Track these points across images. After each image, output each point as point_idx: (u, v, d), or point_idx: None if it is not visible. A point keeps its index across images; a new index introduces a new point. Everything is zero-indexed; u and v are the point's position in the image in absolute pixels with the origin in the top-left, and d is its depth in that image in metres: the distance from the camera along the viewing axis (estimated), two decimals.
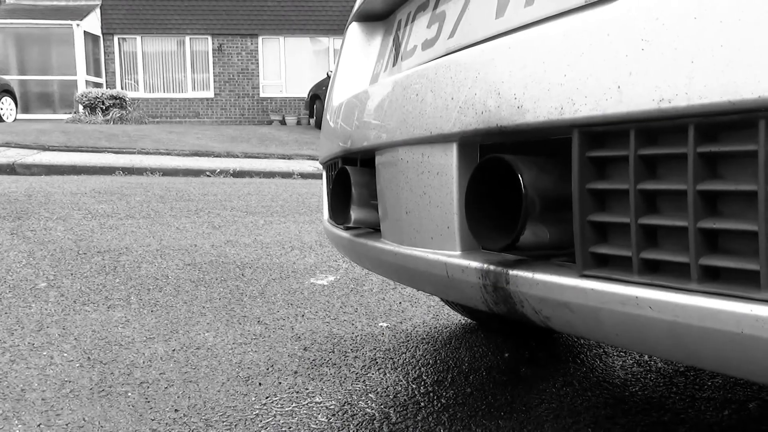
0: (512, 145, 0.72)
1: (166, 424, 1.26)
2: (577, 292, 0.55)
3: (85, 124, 12.61)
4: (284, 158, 10.27)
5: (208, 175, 7.97)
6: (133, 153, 9.45)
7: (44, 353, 1.66)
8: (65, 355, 1.65)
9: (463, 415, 1.33)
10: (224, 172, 8.11)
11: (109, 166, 7.85)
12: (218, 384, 1.47)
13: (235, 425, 1.27)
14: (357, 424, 1.28)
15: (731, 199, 0.49)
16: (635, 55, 0.48)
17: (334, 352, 1.72)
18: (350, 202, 1.02)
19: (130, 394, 1.41)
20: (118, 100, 14.20)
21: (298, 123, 16.71)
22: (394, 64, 1.06)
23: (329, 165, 1.36)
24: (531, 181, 0.59)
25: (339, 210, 1.05)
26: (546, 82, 0.56)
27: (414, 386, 1.48)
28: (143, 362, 1.60)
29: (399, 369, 1.60)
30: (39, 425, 1.25)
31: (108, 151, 9.39)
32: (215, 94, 17.34)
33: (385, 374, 1.56)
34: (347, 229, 1.20)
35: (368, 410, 1.35)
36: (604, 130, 0.53)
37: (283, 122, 16.84)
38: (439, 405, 1.38)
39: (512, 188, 0.63)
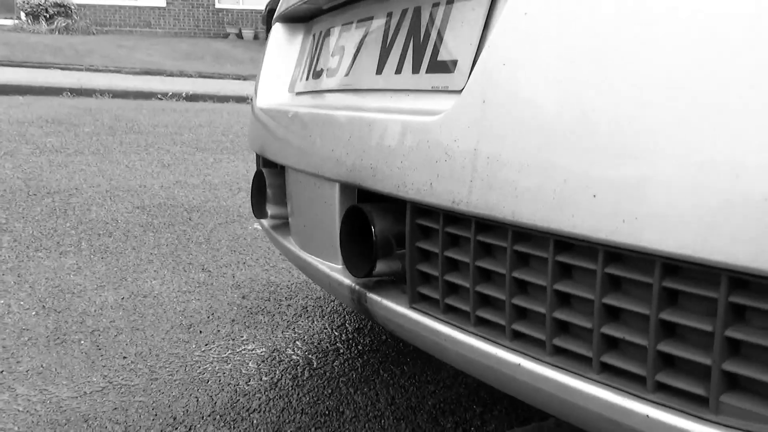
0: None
1: (116, 370, 1.43)
2: (406, 318, 0.76)
3: (28, 33, 11.99)
4: (239, 79, 10.11)
5: (159, 98, 7.84)
6: (81, 70, 9.16)
7: (1, 301, 1.77)
8: (22, 303, 1.78)
9: (375, 360, 1.56)
10: (177, 96, 7.99)
11: (56, 87, 7.62)
12: (163, 332, 1.64)
13: (177, 371, 1.45)
14: (282, 370, 1.48)
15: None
16: (441, 163, 0.66)
17: (269, 300, 1.90)
18: (266, 200, 1.19)
19: (83, 341, 1.56)
20: (63, 8, 13.47)
21: (256, 37, 16.18)
22: (308, 78, 1.21)
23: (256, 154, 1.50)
24: (383, 228, 0.78)
25: (258, 205, 1.22)
26: (390, 163, 0.73)
27: (336, 334, 1.70)
28: (94, 311, 1.75)
29: (326, 317, 1.80)
30: (2, 372, 1.39)
31: (54, 67, 9.06)
32: (167, 3, 16.54)
33: (313, 322, 1.76)
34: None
35: (294, 357, 1.55)
36: (425, 209, 0.72)
37: (239, 36, 16.28)
38: (355, 351, 1.60)
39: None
